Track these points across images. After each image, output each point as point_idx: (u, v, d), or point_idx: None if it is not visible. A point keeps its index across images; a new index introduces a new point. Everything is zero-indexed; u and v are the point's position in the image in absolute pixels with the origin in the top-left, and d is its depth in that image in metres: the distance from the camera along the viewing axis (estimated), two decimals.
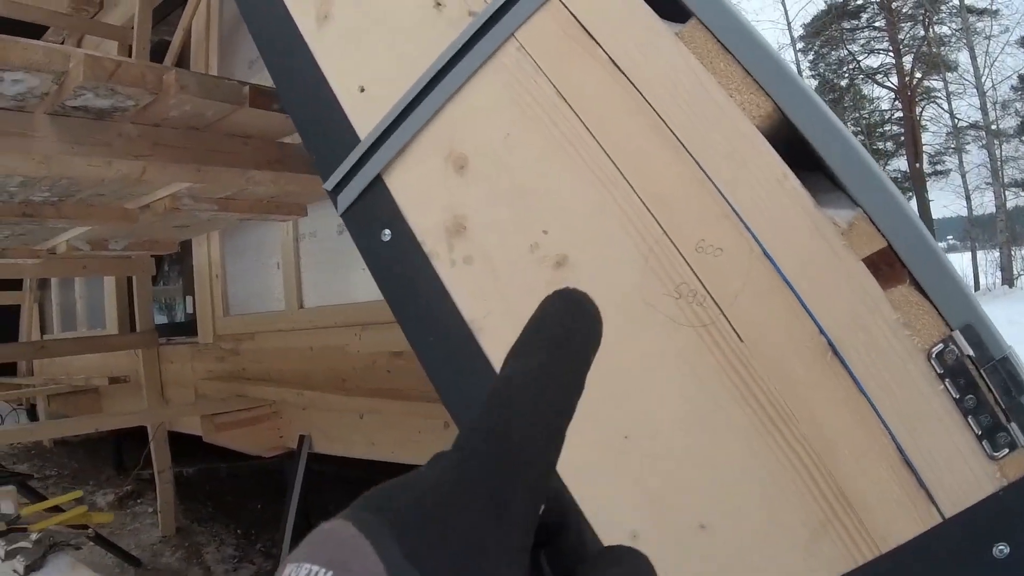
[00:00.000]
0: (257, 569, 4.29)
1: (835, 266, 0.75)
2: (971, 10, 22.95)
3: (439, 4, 0.95)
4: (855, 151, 0.78)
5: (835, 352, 0.74)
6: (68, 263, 4.50)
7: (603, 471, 0.83)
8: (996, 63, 22.73)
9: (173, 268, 6.41)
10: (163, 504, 4.71)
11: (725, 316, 0.78)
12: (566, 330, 0.34)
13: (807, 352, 0.74)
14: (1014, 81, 22.86)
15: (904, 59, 24.10)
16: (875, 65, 24.82)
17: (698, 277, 0.79)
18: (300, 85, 1.05)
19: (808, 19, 24.67)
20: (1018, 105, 23.08)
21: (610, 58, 0.86)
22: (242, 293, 4.65)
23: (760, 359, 0.76)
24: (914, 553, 0.70)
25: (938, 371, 0.72)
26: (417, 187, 0.94)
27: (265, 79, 3.74)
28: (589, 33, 0.87)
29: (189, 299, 5.66)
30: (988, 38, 22.87)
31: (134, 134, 1.88)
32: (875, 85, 24.61)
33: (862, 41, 24.92)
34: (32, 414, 7.09)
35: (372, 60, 0.99)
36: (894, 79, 24.30)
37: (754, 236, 0.77)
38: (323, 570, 0.25)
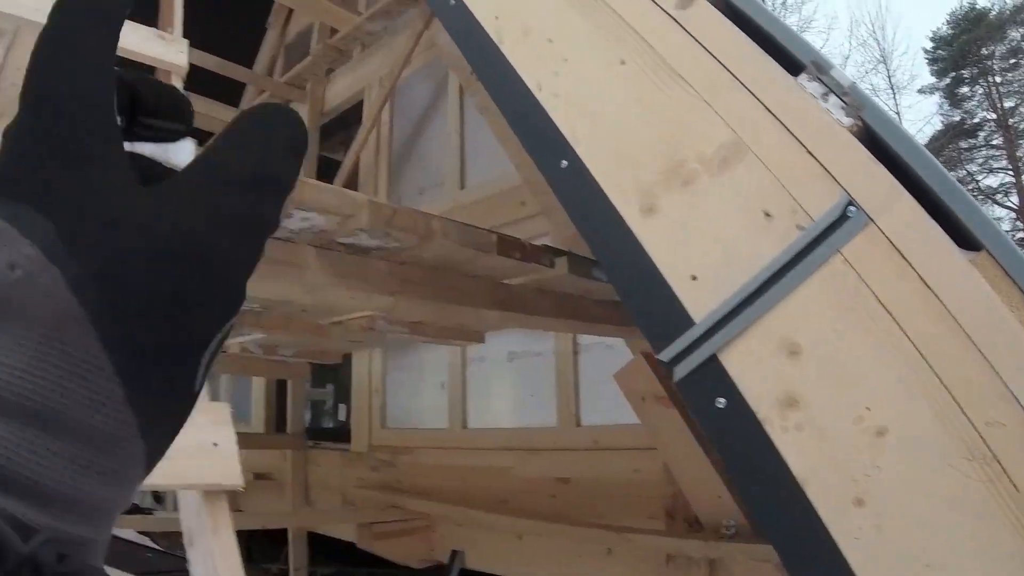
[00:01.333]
0: None
1: None
2: None
3: (768, 215, 1.14)
4: None
5: None
6: (232, 361, 4.75)
7: None
8: None
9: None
10: None
11: (1006, 472, 0.98)
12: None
13: None
14: None
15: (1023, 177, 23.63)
16: (994, 184, 24.40)
17: (987, 444, 1.00)
18: (628, 266, 1.23)
19: (926, 140, 24.46)
20: None
21: (919, 275, 1.07)
22: (401, 408, 4.85)
23: None
24: None
25: None
26: (751, 366, 1.10)
27: (433, 207, 4.02)
28: (902, 255, 1.08)
29: (343, 407, 5.86)
30: None
31: (384, 270, 2.08)
32: (995, 205, 24.06)
33: (980, 160, 24.61)
34: (157, 497, 7.24)
35: (703, 254, 1.17)
36: (1014, 198, 23.80)
37: None
38: None
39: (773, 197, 1.16)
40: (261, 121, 0.36)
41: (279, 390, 5.95)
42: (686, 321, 1.14)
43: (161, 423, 0.32)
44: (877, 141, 1.16)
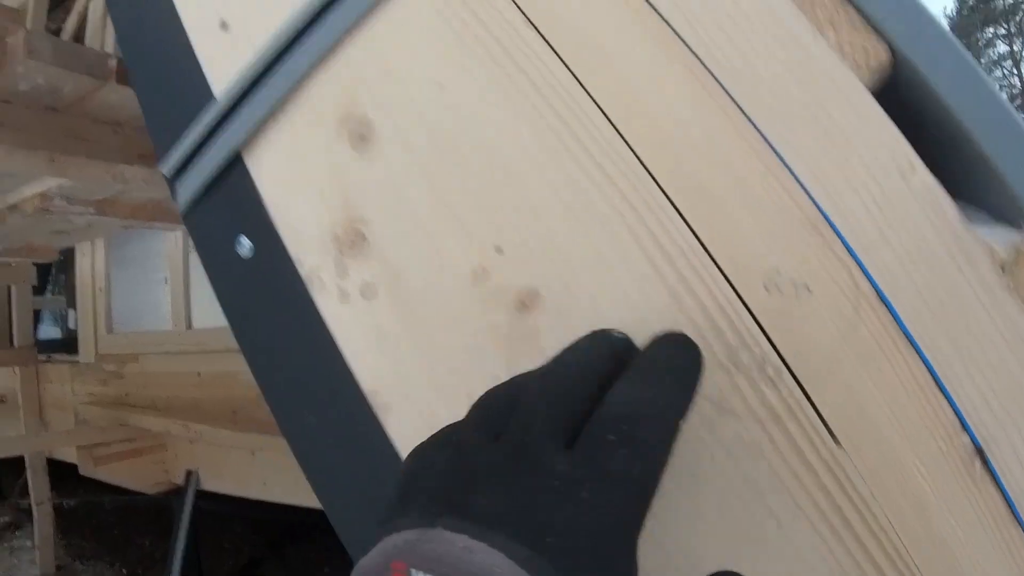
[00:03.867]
0: None
1: (990, 317, 0.39)
2: None
3: None
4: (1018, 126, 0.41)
5: (985, 462, 0.38)
6: None
7: None
8: None
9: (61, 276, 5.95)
10: (42, 539, 4.27)
11: (812, 402, 0.40)
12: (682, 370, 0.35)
13: (942, 460, 0.38)
14: None
15: None
16: None
17: (767, 335, 0.41)
18: (142, 23, 0.71)
19: None
20: None
21: None
22: (127, 309, 4.26)
23: (868, 474, 0.39)
24: None
25: None
26: (294, 170, 0.56)
27: None
28: None
29: (72, 312, 5.21)
30: None
31: None
32: None
33: None
34: None
35: None
36: None
37: (861, 266, 0.40)
38: None
39: None
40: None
41: (9, 300, 5.20)
42: (207, 99, 0.63)
43: None
44: None
